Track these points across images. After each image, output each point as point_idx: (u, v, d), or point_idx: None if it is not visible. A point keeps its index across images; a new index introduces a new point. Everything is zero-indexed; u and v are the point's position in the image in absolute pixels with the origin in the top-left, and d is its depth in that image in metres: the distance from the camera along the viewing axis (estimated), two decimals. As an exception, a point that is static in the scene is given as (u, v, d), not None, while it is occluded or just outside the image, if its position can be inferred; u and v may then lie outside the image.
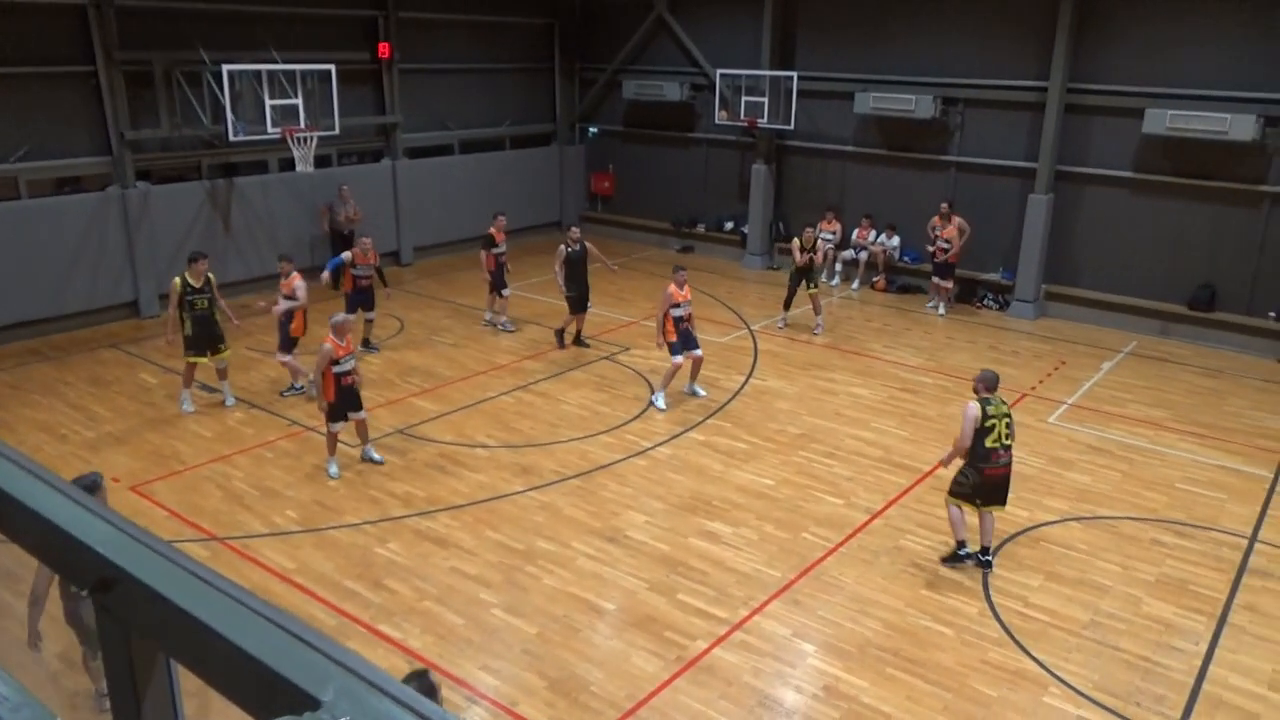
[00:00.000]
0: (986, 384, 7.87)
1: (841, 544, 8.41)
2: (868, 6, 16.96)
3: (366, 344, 13.19)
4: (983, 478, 7.77)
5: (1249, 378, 13.16)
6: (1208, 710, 6.38)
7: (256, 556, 8.04)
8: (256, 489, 9.26)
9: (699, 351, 11.55)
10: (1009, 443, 7.78)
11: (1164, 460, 10.33)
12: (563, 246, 13.12)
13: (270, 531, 8.48)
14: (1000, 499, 7.92)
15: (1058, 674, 6.69)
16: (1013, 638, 7.10)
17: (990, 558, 8.01)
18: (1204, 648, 7.05)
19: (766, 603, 7.49)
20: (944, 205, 15.62)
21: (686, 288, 11.38)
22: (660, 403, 11.41)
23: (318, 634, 0.97)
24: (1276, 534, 8.76)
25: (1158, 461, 10.31)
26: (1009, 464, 7.85)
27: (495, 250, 13.98)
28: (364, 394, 9.80)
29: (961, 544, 7.98)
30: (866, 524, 8.77)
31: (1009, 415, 7.84)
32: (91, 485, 5.88)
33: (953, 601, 7.56)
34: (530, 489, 9.33)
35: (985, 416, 7.68)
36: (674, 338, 11.23)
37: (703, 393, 11.82)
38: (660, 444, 10.43)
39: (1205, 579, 7.97)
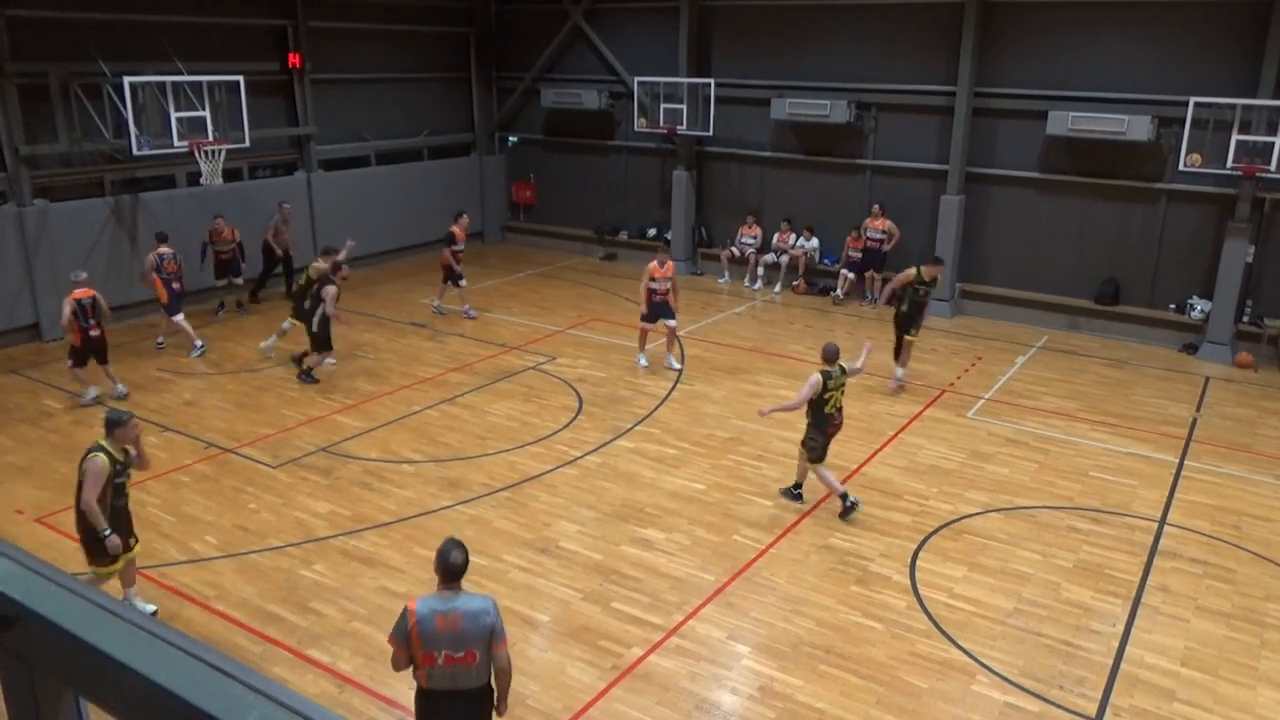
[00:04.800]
0: (827, 357, 8.86)
1: (772, 545, 8.50)
2: (781, 15, 17.25)
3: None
4: (825, 437, 8.91)
5: (1152, 367, 13.75)
6: (1126, 689, 6.62)
7: (174, 585, 7.75)
8: (173, 515, 8.94)
9: (672, 321, 12.92)
10: (841, 407, 9.02)
11: (1077, 450, 10.71)
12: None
13: (188, 559, 8.19)
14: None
15: (984, 662, 6.87)
16: (940, 629, 7.27)
17: (800, 492, 9.33)
18: (1121, 629, 7.32)
19: (700, 607, 7.52)
20: (875, 207, 16.39)
21: (668, 265, 12.85)
22: (642, 360, 13.15)
23: (235, 663, 0.93)
24: (1184, 516, 9.16)
25: (1071, 451, 10.68)
26: (841, 425, 9.09)
27: (455, 248, 14.94)
28: (285, 412, 9.57)
29: (845, 495, 8.92)
30: (796, 524, 8.88)
31: (843, 386, 8.97)
32: (116, 420, 6.66)
33: (882, 596, 7.70)
34: (459, 503, 9.21)
35: (825, 389, 8.73)
36: (645, 309, 12.80)
37: (676, 365, 13.13)
38: (590, 452, 10.41)
39: (1120, 563, 8.28)
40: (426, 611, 4.76)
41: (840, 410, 8.99)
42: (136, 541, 7.23)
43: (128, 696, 0.94)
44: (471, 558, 8.09)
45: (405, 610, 4.82)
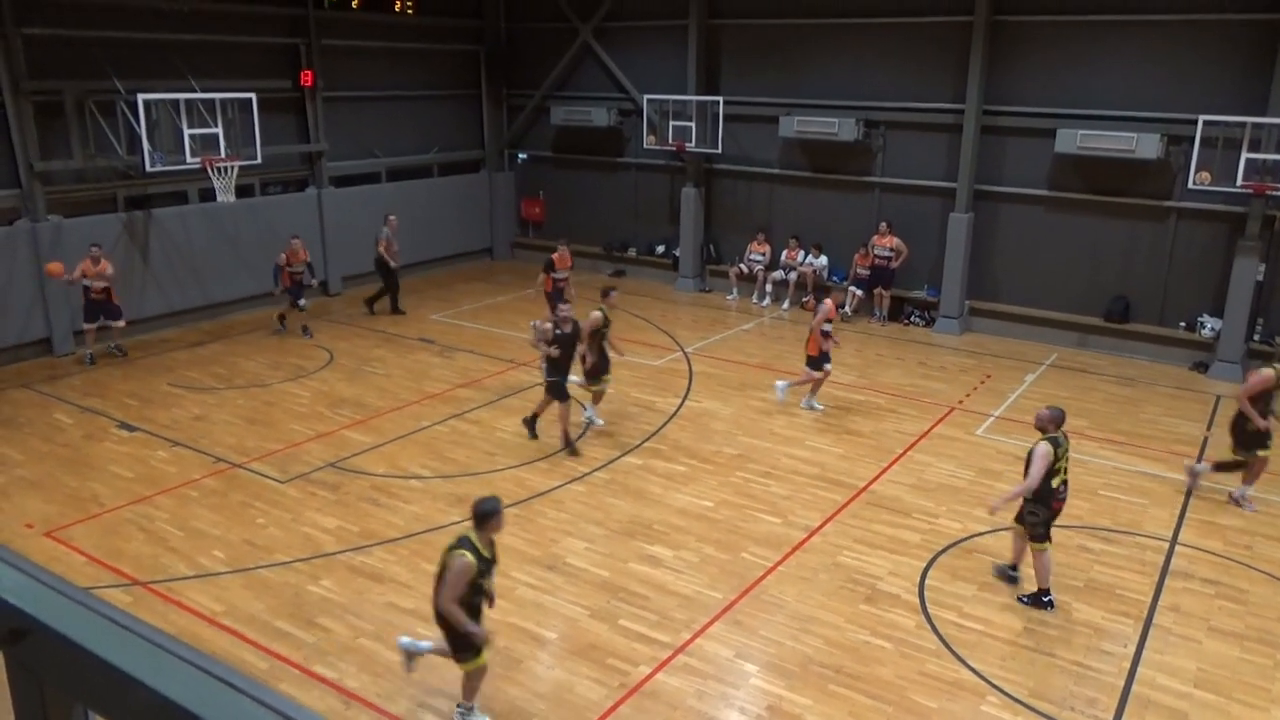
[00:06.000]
0: (1056, 421, 7.67)
1: (781, 562, 8.46)
2: (789, 33, 17.33)
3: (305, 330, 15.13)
4: (1050, 513, 7.69)
5: (1162, 385, 13.68)
6: (1138, 711, 6.55)
7: (182, 600, 7.76)
8: (181, 530, 8.95)
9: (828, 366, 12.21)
10: (1068, 480, 7.74)
11: (1086, 468, 10.64)
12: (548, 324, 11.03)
13: (196, 574, 8.20)
14: None
15: (994, 682, 6.81)
16: (950, 648, 7.21)
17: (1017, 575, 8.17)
18: (1132, 650, 7.25)
19: (708, 625, 7.48)
20: (883, 225, 16.33)
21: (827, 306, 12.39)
22: (806, 403, 12.34)
23: (245, 678, 0.93)
24: (1195, 536, 9.09)
25: (1080, 469, 10.60)
26: (1066, 499, 7.83)
27: (555, 275, 14.71)
28: (294, 427, 9.57)
29: (1048, 591, 7.77)
30: (805, 542, 8.84)
31: (1069, 454, 7.78)
32: (485, 510, 5.99)
33: (891, 615, 7.65)
34: (467, 519, 9.16)
35: (1055, 458, 7.53)
36: (815, 352, 12.04)
37: (817, 406, 12.30)
38: (598, 469, 10.39)
39: (1131, 583, 8.22)
40: None
41: (1067, 483, 7.78)
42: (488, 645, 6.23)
43: (136, 710, 0.95)
44: (479, 574, 8.12)
45: None
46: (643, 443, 11.14)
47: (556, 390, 10.74)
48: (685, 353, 14.77)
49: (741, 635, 7.35)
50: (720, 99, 17.51)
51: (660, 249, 19.75)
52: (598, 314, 11.02)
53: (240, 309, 16.51)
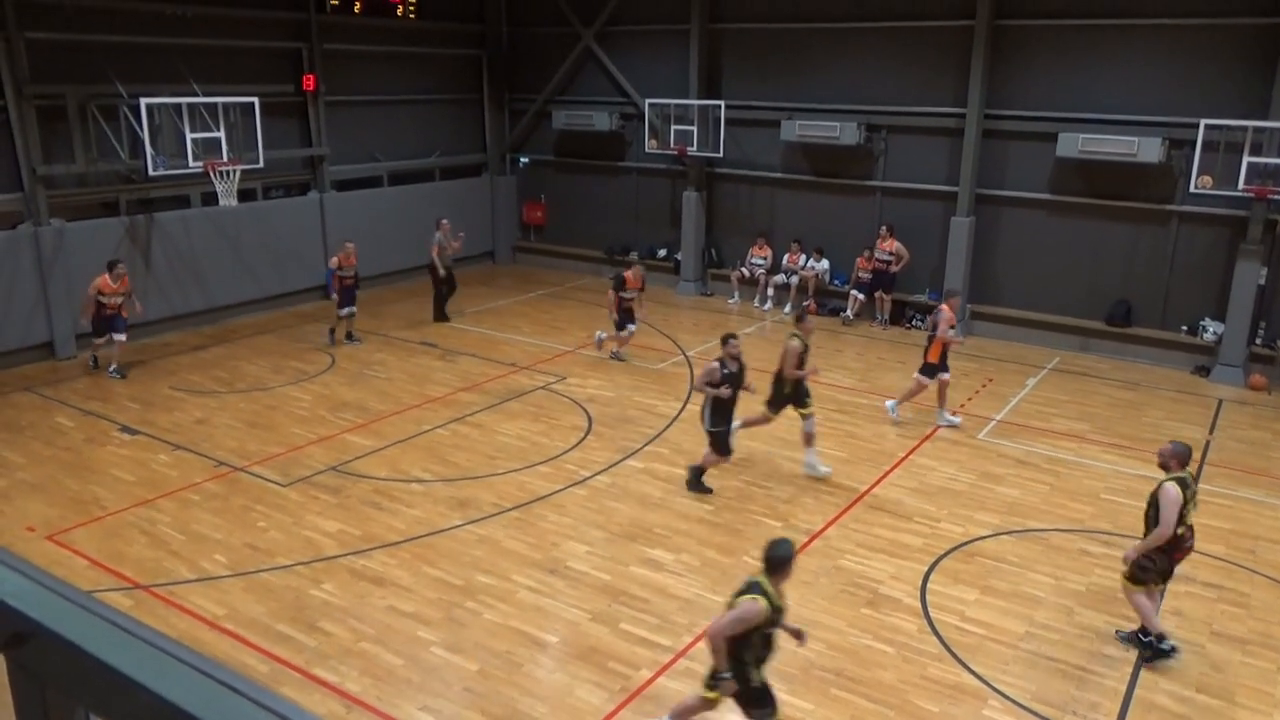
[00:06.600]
0: (1181, 458, 6.94)
1: (782, 566, 8.44)
2: (791, 37, 17.35)
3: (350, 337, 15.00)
4: (1171, 561, 6.99)
5: (1164, 389, 13.67)
6: (1140, 715, 6.54)
7: (183, 604, 7.76)
8: (183, 533, 8.95)
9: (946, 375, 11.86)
10: (1192, 524, 6.97)
11: (1088, 472, 10.64)
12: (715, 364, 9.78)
13: (198, 577, 8.20)
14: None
15: (996, 686, 6.80)
16: (951, 652, 7.20)
17: (1157, 641, 7.12)
18: (1134, 654, 7.23)
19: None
20: (883, 228, 16.32)
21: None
22: (945, 417, 11.93)
23: (247, 681, 0.94)
24: (1198, 540, 9.04)
25: (1082, 473, 10.61)
26: (1193, 547, 7.10)
27: (624, 294, 14.03)
28: (296, 431, 9.57)
29: (1162, 636, 7.04)
30: (806, 545, 8.83)
31: (1196, 491, 7.04)
32: (781, 555, 5.52)
33: (893, 619, 7.64)
34: (468, 523, 9.20)
35: (1184, 500, 6.80)
36: (935, 360, 11.71)
37: (952, 419, 11.91)
38: (599, 473, 10.39)
39: (1133, 586, 8.19)
40: None
41: (1193, 529, 7.01)
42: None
43: (138, 713, 0.95)
44: (479, 577, 8.14)
45: None
46: (644, 446, 11.14)
47: (721, 444, 9.74)
48: (687, 356, 14.77)
49: (743, 639, 7.33)
50: (722, 103, 17.53)
51: (662, 253, 19.76)
52: (795, 343, 10.19)
53: (242, 313, 16.54)
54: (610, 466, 10.56)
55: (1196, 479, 6.83)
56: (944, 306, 11.77)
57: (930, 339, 11.78)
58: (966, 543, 8.94)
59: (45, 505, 9.48)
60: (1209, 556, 8.74)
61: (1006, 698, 6.68)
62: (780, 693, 6.70)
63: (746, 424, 10.52)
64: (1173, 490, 6.79)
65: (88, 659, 0.98)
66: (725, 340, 9.76)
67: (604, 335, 14.44)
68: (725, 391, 9.52)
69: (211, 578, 8.18)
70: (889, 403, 12.18)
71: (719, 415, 9.67)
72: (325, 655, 7.08)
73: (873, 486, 10.16)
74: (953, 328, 11.67)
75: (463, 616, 7.60)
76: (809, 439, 10.29)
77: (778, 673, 6.91)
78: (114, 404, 12.30)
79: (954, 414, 12.02)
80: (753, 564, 8.41)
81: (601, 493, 9.92)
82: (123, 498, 9.65)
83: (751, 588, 5.52)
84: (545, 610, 7.72)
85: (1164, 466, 7.00)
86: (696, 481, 9.85)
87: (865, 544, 8.85)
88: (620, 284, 13.99)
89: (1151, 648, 7.05)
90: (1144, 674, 6.98)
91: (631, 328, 14.15)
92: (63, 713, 1.08)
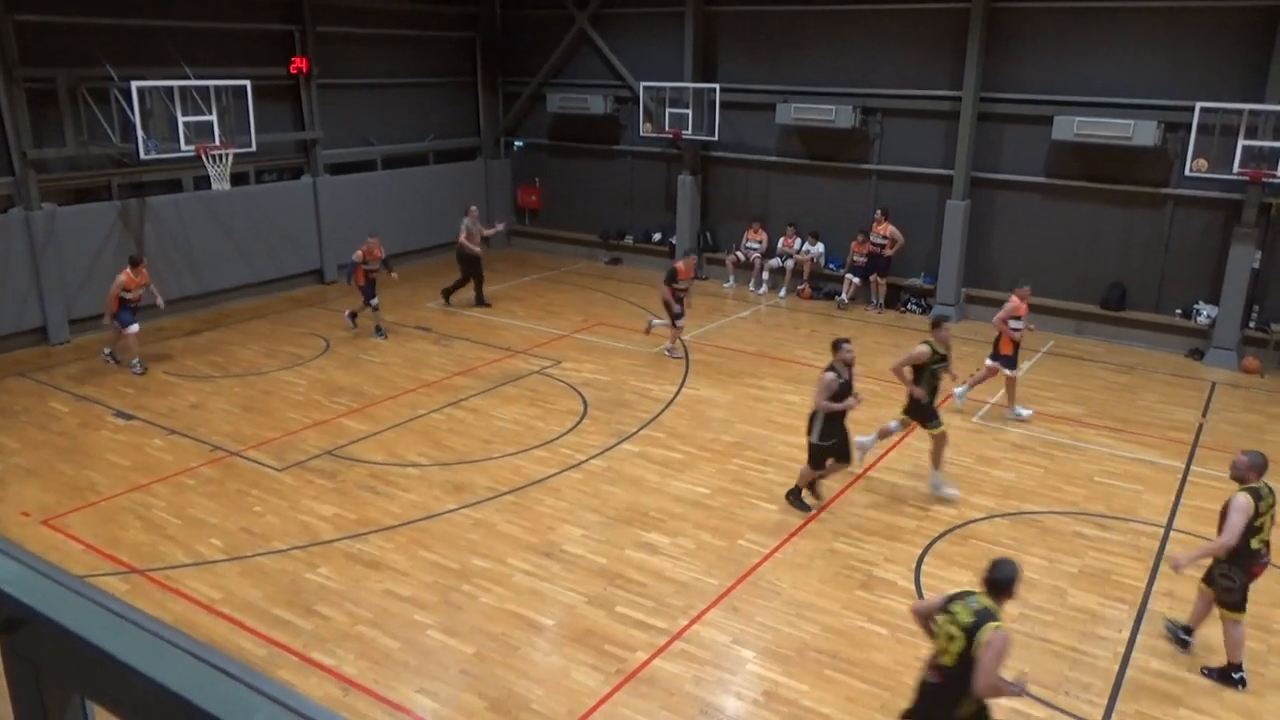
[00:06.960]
0: (1257, 469, 6.45)
1: (777, 549, 8.49)
2: (786, 20, 17.26)
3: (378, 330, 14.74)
4: (1248, 577, 6.55)
5: (1159, 372, 13.71)
6: (1132, 695, 6.59)
7: (179, 588, 7.77)
8: (179, 518, 8.95)
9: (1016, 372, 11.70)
10: (1269, 540, 6.49)
11: (1083, 455, 10.68)
12: (830, 374, 8.93)
13: (194, 561, 8.21)
14: None
15: (990, 668, 6.83)
16: (946, 634, 7.23)
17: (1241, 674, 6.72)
18: (1126, 635, 7.29)
19: (705, 611, 7.51)
20: (879, 212, 16.33)
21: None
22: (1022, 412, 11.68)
23: (241, 665, 0.94)
24: (1191, 522, 9.12)
25: (1077, 456, 10.65)
26: (1268, 562, 6.65)
27: (676, 285, 13.64)
28: (291, 415, 9.57)
29: (1239, 666, 6.67)
30: (801, 529, 8.86)
31: (1274, 509, 6.52)
32: (1009, 578, 4.99)
33: (887, 601, 7.68)
34: (464, 506, 9.21)
35: (1256, 513, 6.37)
36: (1008, 351, 11.50)
37: (1024, 413, 11.66)
38: (595, 456, 10.41)
39: (1125, 568, 8.25)
40: None
41: (1269, 544, 6.53)
42: None
43: (133, 699, 0.95)
44: (475, 561, 8.16)
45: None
46: (639, 430, 11.15)
47: (818, 458, 9.02)
48: (683, 340, 14.76)
49: (738, 621, 7.38)
50: (717, 86, 17.45)
51: (656, 236, 19.72)
52: (923, 348, 9.41)
53: (236, 297, 16.49)
54: (606, 450, 10.58)
55: (1269, 489, 6.47)
56: (1014, 296, 11.58)
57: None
58: (961, 525, 8.97)
59: (40, 490, 9.47)
60: (1201, 538, 8.77)
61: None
62: (774, 674, 6.75)
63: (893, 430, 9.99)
64: (1242, 499, 6.37)
65: (82, 644, 0.98)
66: (837, 345, 8.97)
67: (657, 321, 14.23)
68: (851, 403, 8.85)
69: (207, 562, 8.19)
70: (957, 389, 11.88)
71: (830, 428, 8.91)
72: (322, 639, 7.10)
73: (868, 470, 10.20)
74: (1018, 318, 11.33)
75: (459, 600, 7.62)
76: (936, 456, 9.59)
77: (773, 655, 6.96)
78: (108, 389, 12.27)
79: (1027, 410, 11.73)
80: (747, 546, 8.46)
81: (597, 476, 9.93)
82: (118, 482, 9.65)
83: (984, 615, 4.85)
84: (541, 593, 7.74)
85: (1239, 479, 6.51)
86: (796, 499, 9.21)
87: (859, 526, 8.88)
88: (672, 276, 13.56)
89: (1229, 679, 6.69)
90: (1136, 655, 7.03)
91: (681, 321, 13.93)
92: (58, 698, 1.08)
